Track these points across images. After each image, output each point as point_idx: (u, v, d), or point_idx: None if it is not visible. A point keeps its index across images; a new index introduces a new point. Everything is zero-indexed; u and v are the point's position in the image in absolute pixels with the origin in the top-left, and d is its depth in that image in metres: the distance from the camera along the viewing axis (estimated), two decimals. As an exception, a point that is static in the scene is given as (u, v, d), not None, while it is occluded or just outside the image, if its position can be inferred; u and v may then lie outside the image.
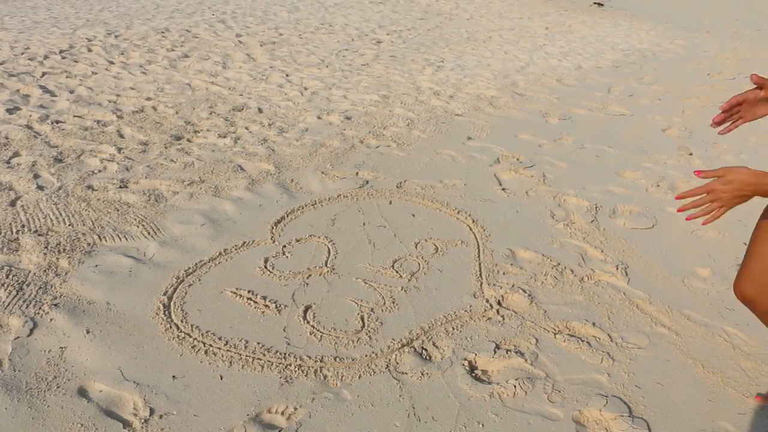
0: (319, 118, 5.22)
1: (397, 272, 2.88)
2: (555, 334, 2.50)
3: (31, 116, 4.77)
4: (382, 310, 2.59)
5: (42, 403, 1.99)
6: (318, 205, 3.54)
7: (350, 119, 5.23)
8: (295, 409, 2.04)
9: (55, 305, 2.46)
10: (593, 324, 2.58)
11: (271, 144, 4.50)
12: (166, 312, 2.48)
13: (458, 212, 3.53)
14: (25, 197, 3.38)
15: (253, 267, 2.85)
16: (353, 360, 2.28)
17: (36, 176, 3.67)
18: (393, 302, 2.65)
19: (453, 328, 2.50)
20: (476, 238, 3.27)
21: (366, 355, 2.31)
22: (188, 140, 4.55)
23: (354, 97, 5.91)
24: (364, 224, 3.34)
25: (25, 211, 3.22)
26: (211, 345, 2.31)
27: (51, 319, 2.38)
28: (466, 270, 2.94)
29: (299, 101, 5.72)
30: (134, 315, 2.45)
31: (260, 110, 5.38)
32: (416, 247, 3.13)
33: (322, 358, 2.28)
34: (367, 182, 3.89)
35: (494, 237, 3.28)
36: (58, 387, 2.06)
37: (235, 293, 2.63)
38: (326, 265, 2.91)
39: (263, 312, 2.53)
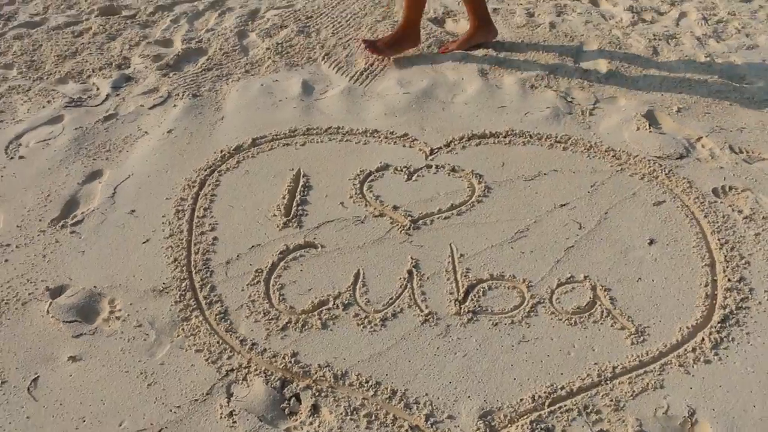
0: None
1: (456, 299, 1.66)
2: None
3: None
4: (337, 303, 1.61)
5: None
6: (574, 149, 2.25)
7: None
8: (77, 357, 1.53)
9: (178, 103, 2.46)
10: None
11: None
12: (204, 173, 2.07)
13: (725, 270, 1.73)
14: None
15: (353, 170, 2.10)
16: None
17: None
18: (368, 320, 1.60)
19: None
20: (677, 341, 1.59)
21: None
22: None
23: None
24: (562, 206, 1.98)
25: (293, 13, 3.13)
26: (157, 231, 1.88)
27: (141, 131, 2.34)
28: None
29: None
30: (188, 153, 2.18)
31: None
32: (557, 282, 1.72)
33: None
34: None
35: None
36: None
37: (270, 183, 2.03)
38: (415, 221, 1.91)
39: (266, 220, 1.89)
